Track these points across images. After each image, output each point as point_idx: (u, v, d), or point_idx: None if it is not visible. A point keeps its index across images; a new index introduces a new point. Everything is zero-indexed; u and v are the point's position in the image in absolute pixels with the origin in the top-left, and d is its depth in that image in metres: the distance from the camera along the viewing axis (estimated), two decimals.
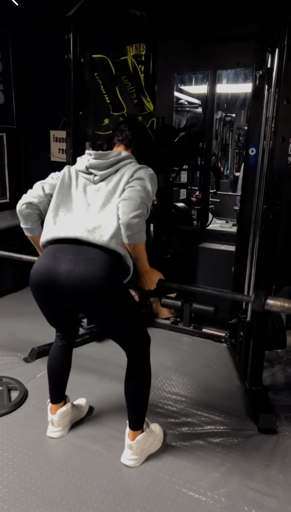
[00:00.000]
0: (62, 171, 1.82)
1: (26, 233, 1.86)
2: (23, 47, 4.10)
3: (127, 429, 1.83)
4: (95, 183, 1.73)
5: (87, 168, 1.73)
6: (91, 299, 1.58)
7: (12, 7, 3.63)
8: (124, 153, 1.76)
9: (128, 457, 1.83)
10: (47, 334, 2.94)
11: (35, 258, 1.83)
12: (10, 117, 4.19)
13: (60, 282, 1.56)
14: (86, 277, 1.54)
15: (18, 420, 2.09)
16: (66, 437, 1.98)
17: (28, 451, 1.89)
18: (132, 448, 1.81)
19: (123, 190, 1.65)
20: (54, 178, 1.82)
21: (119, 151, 1.79)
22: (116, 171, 1.72)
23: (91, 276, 1.54)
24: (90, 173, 1.74)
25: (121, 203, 1.59)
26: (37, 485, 1.71)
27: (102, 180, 1.72)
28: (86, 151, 1.79)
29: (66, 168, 1.83)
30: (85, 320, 2.99)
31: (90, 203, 1.69)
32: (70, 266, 1.56)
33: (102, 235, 1.60)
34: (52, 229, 1.69)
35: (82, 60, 2.48)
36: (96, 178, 1.72)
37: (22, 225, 1.84)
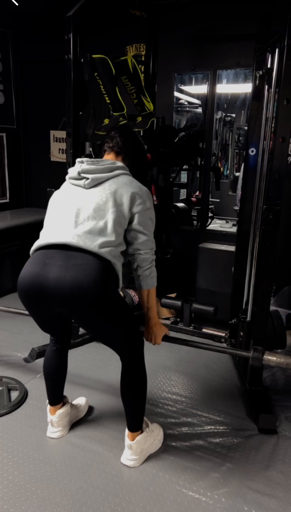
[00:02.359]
0: (50, 199, 1.82)
1: None
2: (23, 47, 4.10)
3: (127, 430, 1.83)
4: (86, 187, 1.69)
5: (79, 173, 1.70)
6: (82, 306, 1.55)
7: (12, 7, 3.64)
8: (118, 163, 1.75)
9: (128, 457, 1.82)
10: (47, 334, 2.94)
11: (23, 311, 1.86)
12: (10, 117, 4.19)
13: (50, 289, 1.52)
14: (77, 283, 1.51)
15: (18, 420, 2.09)
16: (66, 437, 1.99)
17: (28, 451, 1.89)
18: (132, 448, 1.81)
19: (124, 217, 1.65)
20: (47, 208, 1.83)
21: (113, 161, 1.77)
22: (110, 178, 1.70)
23: (83, 283, 1.51)
24: (81, 178, 1.71)
25: (137, 256, 1.69)
26: (37, 485, 1.71)
27: (94, 185, 1.69)
28: (78, 159, 1.77)
29: (54, 193, 1.83)
30: None
31: (80, 207, 1.65)
32: (61, 272, 1.52)
33: (93, 241, 1.58)
34: (41, 238, 1.69)
35: (82, 60, 2.48)
36: (87, 182, 1.68)
37: None
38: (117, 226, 1.64)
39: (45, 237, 1.67)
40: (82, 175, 1.70)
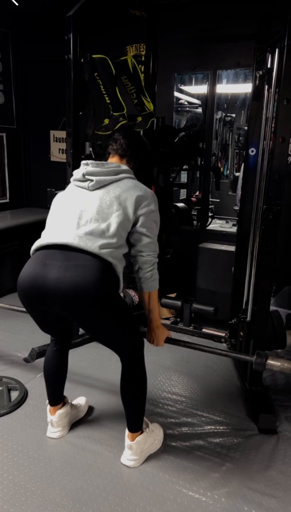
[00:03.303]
0: (53, 200, 1.83)
1: None
2: (23, 47, 4.10)
3: (127, 430, 1.83)
4: (90, 189, 1.69)
5: (84, 175, 1.70)
6: (82, 307, 1.54)
7: (12, 7, 3.64)
8: (124, 167, 1.75)
9: (128, 458, 1.82)
10: (47, 334, 2.94)
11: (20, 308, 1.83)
12: (10, 117, 4.19)
13: (50, 289, 1.52)
14: (77, 284, 1.50)
15: (18, 420, 2.09)
16: (66, 437, 1.99)
17: (28, 451, 1.89)
18: (132, 448, 1.81)
19: (128, 220, 1.64)
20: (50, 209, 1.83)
21: (119, 164, 1.77)
22: (114, 181, 1.70)
23: (82, 284, 1.50)
24: (85, 180, 1.71)
25: (140, 258, 1.69)
26: (37, 485, 1.71)
27: (98, 187, 1.69)
28: (82, 162, 1.77)
29: (56, 196, 1.83)
30: None
31: (83, 209, 1.65)
32: (60, 272, 1.51)
33: (94, 242, 1.57)
34: (42, 238, 1.69)
35: (82, 60, 2.48)
36: (91, 183, 1.68)
37: None
38: (121, 229, 1.63)
39: (46, 237, 1.67)
40: (87, 177, 1.70)
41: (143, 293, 1.75)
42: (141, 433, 1.83)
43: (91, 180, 1.69)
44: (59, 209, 1.74)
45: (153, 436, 1.90)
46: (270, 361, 1.78)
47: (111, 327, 1.66)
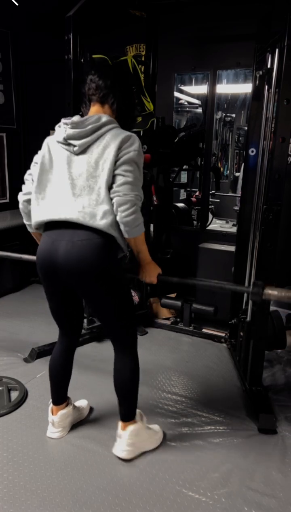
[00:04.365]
0: (42, 149, 1.73)
1: (28, 229, 1.87)
2: (23, 47, 4.10)
3: (120, 421, 1.84)
4: (76, 153, 1.64)
5: (65, 139, 1.63)
6: (86, 279, 1.64)
7: (12, 7, 3.64)
8: (104, 118, 1.63)
9: (120, 448, 1.83)
10: (47, 334, 2.94)
11: (33, 257, 1.88)
12: (10, 117, 4.19)
13: (60, 263, 1.63)
14: (82, 259, 1.60)
15: (18, 420, 2.09)
16: (66, 437, 1.98)
17: (28, 451, 1.89)
18: (123, 437, 1.82)
19: (111, 170, 1.58)
20: (36, 162, 1.75)
21: (99, 115, 1.64)
22: (97, 139, 1.62)
23: (86, 259, 1.60)
24: (68, 144, 1.64)
25: (115, 199, 1.58)
26: (37, 485, 1.71)
27: (82, 151, 1.63)
28: (62, 120, 1.68)
29: (45, 143, 1.73)
30: (85, 320, 2.99)
31: (74, 177, 1.63)
32: (68, 248, 1.61)
33: (92, 215, 1.59)
34: (39, 211, 1.68)
35: (82, 60, 2.48)
36: (75, 148, 1.63)
37: (24, 222, 1.85)
38: (108, 188, 1.60)
39: (47, 211, 1.66)
40: (69, 141, 1.63)
41: (131, 239, 1.67)
42: (134, 422, 1.83)
43: (74, 145, 1.63)
44: (52, 173, 1.68)
45: (148, 432, 1.90)
46: (267, 291, 1.72)
47: (110, 301, 1.71)
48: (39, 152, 1.75)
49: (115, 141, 1.60)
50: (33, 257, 1.93)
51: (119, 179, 1.59)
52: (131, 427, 1.81)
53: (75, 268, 1.61)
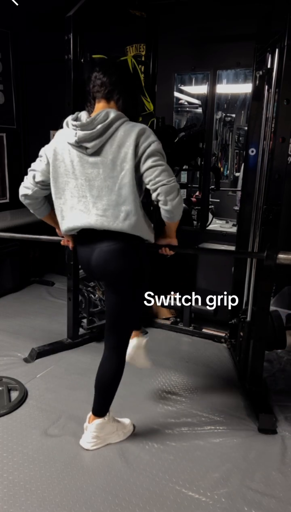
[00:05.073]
0: (50, 149, 1.70)
1: (37, 216, 1.90)
2: (23, 47, 4.10)
3: (90, 413, 1.90)
4: (88, 154, 1.62)
5: (77, 142, 1.60)
6: (110, 280, 1.77)
7: (12, 7, 3.64)
8: (112, 114, 1.59)
9: (86, 440, 1.91)
10: (47, 334, 2.95)
11: (53, 238, 2.06)
12: (10, 117, 4.19)
13: (92, 266, 1.76)
14: (106, 264, 1.71)
15: (18, 420, 2.09)
16: (66, 437, 1.98)
17: (28, 451, 1.89)
18: (88, 430, 1.89)
19: (133, 169, 1.58)
20: (42, 160, 1.75)
21: (106, 110, 1.60)
22: (110, 137, 1.59)
23: (110, 264, 1.70)
24: (80, 146, 1.62)
25: (160, 188, 1.58)
26: (37, 485, 1.71)
27: (95, 151, 1.61)
28: (70, 122, 1.64)
29: (54, 143, 1.70)
30: (85, 320, 2.99)
31: (91, 178, 1.63)
32: (96, 254, 1.72)
33: (115, 218, 1.63)
34: (64, 219, 1.74)
35: (82, 60, 2.48)
36: (88, 150, 1.61)
37: (30, 210, 1.88)
38: (132, 188, 1.60)
39: (71, 219, 1.72)
40: (81, 144, 1.61)
41: (171, 223, 1.75)
42: (101, 417, 1.89)
43: (87, 148, 1.60)
44: (66, 178, 1.68)
45: (115, 426, 1.94)
46: (281, 255, 1.81)
47: (125, 300, 1.80)
48: (47, 150, 1.72)
49: (130, 139, 1.58)
50: (52, 237, 2.08)
51: (154, 171, 1.58)
52: (97, 421, 1.88)
53: (104, 270, 1.73)
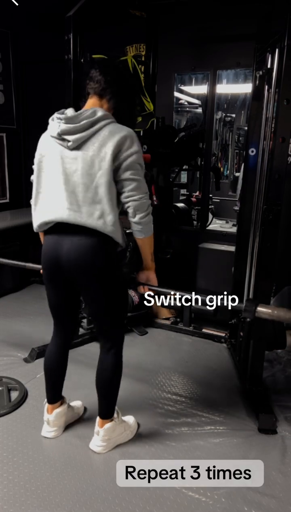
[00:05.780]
0: (37, 151, 1.74)
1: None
2: (23, 47, 4.09)
3: (98, 417, 1.88)
4: (70, 148, 1.62)
5: (59, 134, 1.61)
6: (83, 276, 1.69)
7: (12, 7, 3.64)
8: (99, 112, 1.60)
9: (96, 444, 1.88)
10: (47, 334, 2.92)
11: (37, 266, 1.97)
12: (10, 117, 4.18)
13: (63, 260, 1.68)
14: (80, 257, 1.65)
15: (18, 420, 2.09)
16: (66, 438, 1.98)
17: (28, 451, 1.89)
18: (100, 434, 1.86)
19: (110, 171, 1.58)
20: (35, 162, 1.76)
21: (94, 109, 1.62)
22: (93, 135, 1.60)
23: (84, 257, 1.65)
24: (62, 139, 1.62)
25: (131, 203, 1.63)
26: (37, 485, 1.71)
27: (77, 146, 1.61)
28: (56, 114, 1.67)
29: (40, 140, 1.75)
30: (85, 320, 2.99)
31: (68, 173, 1.62)
32: (69, 246, 1.66)
33: (89, 214, 1.61)
34: (39, 211, 1.71)
35: (82, 60, 2.48)
36: (69, 144, 1.61)
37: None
38: (109, 187, 1.60)
39: (44, 212, 1.69)
40: (63, 136, 1.61)
41: (143, 239, 1.73)
42: (111, 420, 1.87)
43: (68, 141, 1.61)
44: (46, 170, 1.69)
45: (123, 426, 1.94)
46: (260, 308, 1.72)
47: (104, 300, 1.75)
48: (36, 155, 1.75)
49: (113, 140, 1.58)
50: (36, 266, 1.96)
51: (129, 184, 1.63)
52: (108, 425, 1.86)
53: (75, 265, 1.66)
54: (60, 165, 1.64)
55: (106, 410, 1.87)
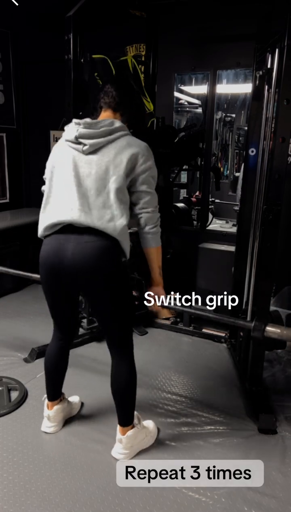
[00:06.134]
0: (50, 155, 1.78)
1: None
2: (23, 47, 4.10)
3: (118, 426, 1.85)
4: (84, 153, 1.66)
5: (76, 138, 1.65)
6: (89, 279, 1.66)
7: (12, 7, 3.64)
8: (117, 123, 1.68)
9: (118, 451, 1.85)
10: (47, 334, 2.92)
11: (34, 275, 1.91)
12: (10, 117, 4.19)
13: (67, 263, 1.64)
14: (86, 260, 1.62)
15: (18, 420, 2.09)
16: (66, 437, 1.99)
17: (28, 451, 1.89)
18: (123, 442, 1.83)
19: (123, 179, 1.63)
20: (47, 172, 1.79)
21: (112, 119, 1.70)
22: (109, 142, 1.66)
23: (90, 260, 1.62)
24: (79, 143, 1.66)
25: (144, 215, 1.72)
26: (37, 485, 1.71)
27: (92, 151, 1.65)
28: (74, 120, 1.72)
29: (53, 150, 1.79)
30: (85, 320, 2.99)
31: (81, 177, 1.65)
32: (76, 249, 1.63)
33: (99, 217, 1.62)
34: (46, 215, 1.71)
35: (82, 60, 2.48)
36: (85, 148, 1.65)
37: None
38: (120, 194, 1.64)
39: (53, 214, 1.68)
40: (80, 140, 1.65)
41: (151, 249, 1.78)
42: (132, 427, 1.85)
43: (85, 144, 1.65)
44: (58, 175, 1.71)
45: (144, 432, 1.91)
46: (269, 328, 1.76)
47: (112, 305, 1.73)
48: (48, 163, 1.78)
49: (129, 151, 1.65)
50: (32, 274, 1.93)
51: (144, 197, 1.71)
52: (130, 432, 1.83)
53: (83, 268, 1.62)
54: (73, 169, 1.66)
55: (126, 418, 1.85)
